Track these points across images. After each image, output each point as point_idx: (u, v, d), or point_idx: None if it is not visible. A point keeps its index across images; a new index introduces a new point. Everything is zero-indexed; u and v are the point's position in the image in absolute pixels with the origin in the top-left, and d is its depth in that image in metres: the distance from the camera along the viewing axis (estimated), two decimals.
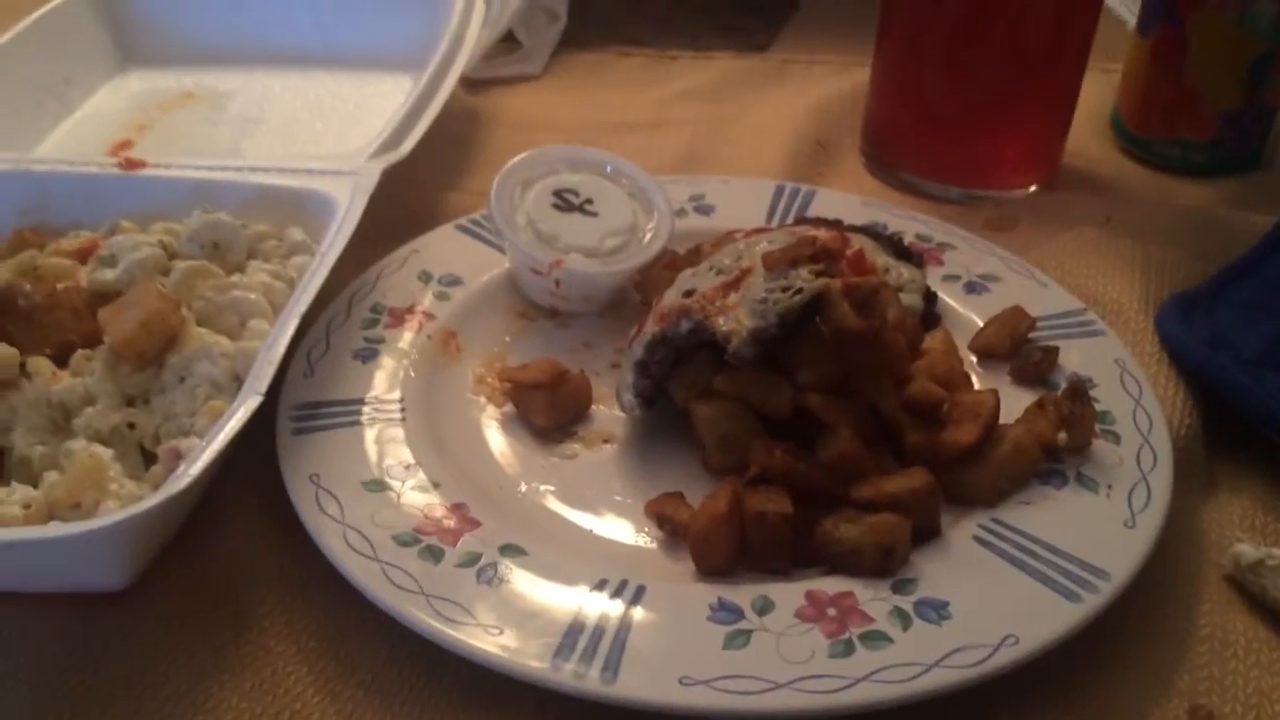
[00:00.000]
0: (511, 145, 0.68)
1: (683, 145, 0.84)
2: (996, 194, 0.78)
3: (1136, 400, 0.56)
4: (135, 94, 0.88)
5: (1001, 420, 0.53)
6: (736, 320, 0.52)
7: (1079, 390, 0.53)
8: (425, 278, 0.65)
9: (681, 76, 0.95)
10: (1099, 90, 0.86)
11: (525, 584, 0.47)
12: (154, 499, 0.43)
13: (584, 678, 0.43)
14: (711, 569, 0.48)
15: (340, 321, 0.61)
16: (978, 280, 0.65)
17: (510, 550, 0.49)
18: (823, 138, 0.84)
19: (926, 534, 0.49)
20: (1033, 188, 0.79)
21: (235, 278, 0.59)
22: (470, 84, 0.93)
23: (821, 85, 0.92)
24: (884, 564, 0.47)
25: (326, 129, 0.83)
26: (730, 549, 0.48)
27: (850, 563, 0.47)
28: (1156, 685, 0.46)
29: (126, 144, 0.81)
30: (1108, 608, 0.46)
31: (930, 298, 0.63)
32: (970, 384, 0.57)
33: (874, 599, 0.46)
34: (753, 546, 0.48)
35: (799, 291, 0.52)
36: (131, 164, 0.66)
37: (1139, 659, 0.47)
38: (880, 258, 0.64)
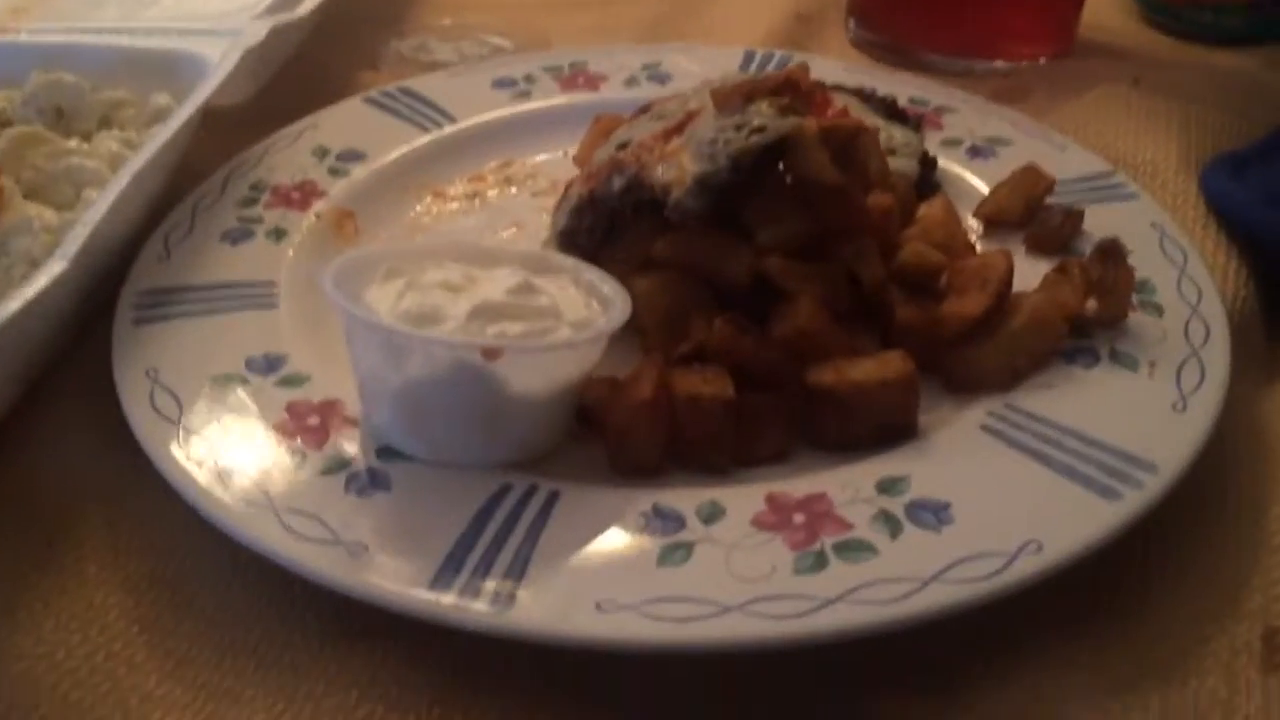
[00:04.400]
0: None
1: (646, 19, 0.73)
2: (1003, 65, 0.67)
3: (1181, 268, 0.46)
4: None
5: (1016, 289, 0.43)
6: (679, 167, 0.42)
7: (1111, 250, 0.43)
8: (321, 153, 0.55)
9: None
10: None
11: (406, 493, 0.37)
12: None
13: (467, 609, 0.33)
14: (632, 468, 0.38)
15: (211, 201, 0.51)
16: (983, 144, 0.55)
17: (390, 454, 0.38)
18: (801, 10, 0.73)
19: (900, 434, 0.39)
20: (1042, 60, 0.68)
21: (74, 144, 0.48)
22: None
23: None
24: (897, 418, 0.39)
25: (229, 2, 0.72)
26: (655, 444, 0.38)
27: (848, 418, 0.38)
28: (1220, 604, 0.36)
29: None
30: (1155, 507, 0.36)
31: (928, 163, 0.53)
32: (975, 253, 0.47)
33: (853, 500, 0.36)
34: (683, 439, 0.38)
35: (759, 130, 0.41)
36: None
37: (1196, 573, 0.37)
38: (869, 118, 0.53)
